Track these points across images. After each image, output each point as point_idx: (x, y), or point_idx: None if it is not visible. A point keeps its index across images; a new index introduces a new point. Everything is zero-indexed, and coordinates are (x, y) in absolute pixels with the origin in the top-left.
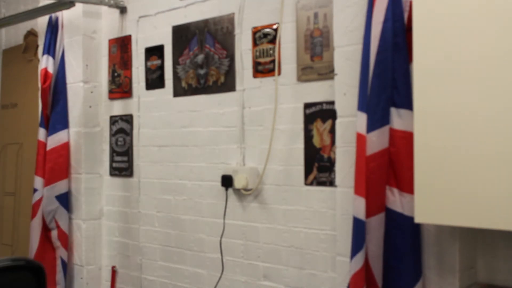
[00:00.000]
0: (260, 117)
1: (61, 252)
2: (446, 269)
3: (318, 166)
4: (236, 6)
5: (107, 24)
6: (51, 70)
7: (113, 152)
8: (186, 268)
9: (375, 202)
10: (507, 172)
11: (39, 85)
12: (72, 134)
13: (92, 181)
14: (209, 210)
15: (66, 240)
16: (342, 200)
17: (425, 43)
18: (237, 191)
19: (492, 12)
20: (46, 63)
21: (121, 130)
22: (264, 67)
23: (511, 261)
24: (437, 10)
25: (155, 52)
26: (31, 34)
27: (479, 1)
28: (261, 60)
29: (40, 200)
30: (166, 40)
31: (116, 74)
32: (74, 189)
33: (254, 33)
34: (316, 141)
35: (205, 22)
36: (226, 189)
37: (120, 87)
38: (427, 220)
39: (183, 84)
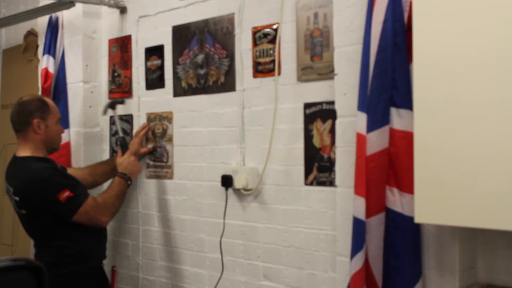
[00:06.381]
0: (260, 117)
1: None
2: (446, 269)
3: (318, 166)
4: (236, 6)
5: (107, 24)
6: (51, 70)
7: (113, 152)
8: (186, 268)
9: (375, 202)
10: (507, 172)
11: (40, 85)
12: (72, 134)
13: None
14: (209, 210)
15: None
16: (342, 200)
17: (425, 43)
18: (237, 191)
19: (493, 11)
20: (46, 63)
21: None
22: (264, 67)
23: (511, 261)
24: (437, 10)
25: (155, 52)
26: (31, 34)
27: (479, 0)
28: (261, 60)
29: None
30: (166, 40)
31: (116, 74)
32: None
33: (254, 33)
34: (316, 141)
35: (205, 22)
36: (226, 189)
37: (120, 87)
38: (427, 220)
39: (183, 84)
